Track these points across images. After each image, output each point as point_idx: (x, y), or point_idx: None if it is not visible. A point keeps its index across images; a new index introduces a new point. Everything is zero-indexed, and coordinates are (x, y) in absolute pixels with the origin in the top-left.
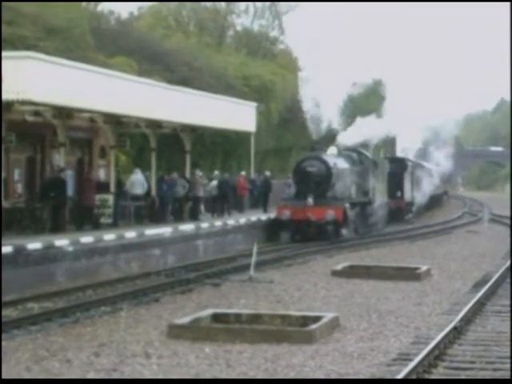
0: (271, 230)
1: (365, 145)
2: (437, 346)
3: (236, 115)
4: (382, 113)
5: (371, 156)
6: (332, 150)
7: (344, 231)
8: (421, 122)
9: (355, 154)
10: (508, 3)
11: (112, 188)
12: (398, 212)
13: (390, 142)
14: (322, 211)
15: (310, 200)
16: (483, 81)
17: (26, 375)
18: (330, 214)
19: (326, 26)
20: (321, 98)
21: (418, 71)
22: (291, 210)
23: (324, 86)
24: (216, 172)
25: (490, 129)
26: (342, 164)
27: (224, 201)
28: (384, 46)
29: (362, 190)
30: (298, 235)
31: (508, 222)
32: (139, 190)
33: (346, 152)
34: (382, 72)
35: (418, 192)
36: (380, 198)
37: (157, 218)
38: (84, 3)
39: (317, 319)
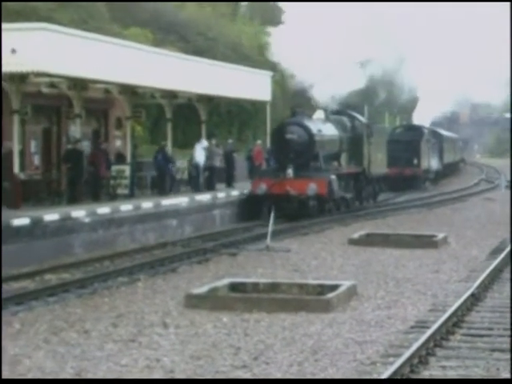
0: (246, 207)
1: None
2: (454, 313)
3: (251, 84)
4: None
5: (366, 120)
6: (319, 114)
7: (329, 206)
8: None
9: (346, 119)
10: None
11: (128, 159)
12: (415, 180)
13: (406, 109)
14: (303, 184)
15: (290, 172)
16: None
17: (45, 346)
18: (312, 187)
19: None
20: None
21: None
22: (268, 184)
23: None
24: (230, 141)
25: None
26: (329, 130)
27: (228, 171)
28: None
29: (354, 160)
30: (276, 212)
31: None
32: (200, 159)
33: (335, 116)
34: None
35: (435, 159)
36: (377, 167)
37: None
38: None
39: (334, 287)
